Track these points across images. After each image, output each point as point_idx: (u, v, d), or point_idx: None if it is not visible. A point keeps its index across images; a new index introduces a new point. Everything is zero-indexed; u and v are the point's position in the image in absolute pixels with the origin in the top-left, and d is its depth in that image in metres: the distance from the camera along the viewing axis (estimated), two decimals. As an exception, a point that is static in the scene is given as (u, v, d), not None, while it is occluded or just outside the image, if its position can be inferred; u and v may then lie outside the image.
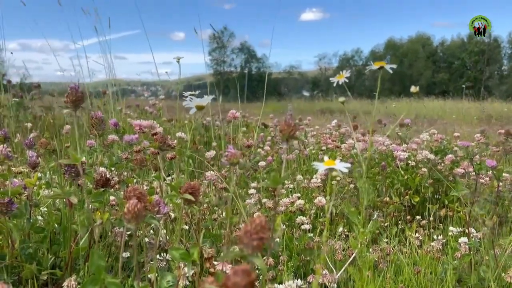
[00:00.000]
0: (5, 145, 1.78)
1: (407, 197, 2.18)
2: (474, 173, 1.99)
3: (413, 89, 1.09)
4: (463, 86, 20.68)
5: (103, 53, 4.63)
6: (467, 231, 1.52)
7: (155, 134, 1.46)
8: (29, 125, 3.57)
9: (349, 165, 0.78)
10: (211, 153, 1.98)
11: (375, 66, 1.03)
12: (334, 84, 1.12)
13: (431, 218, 1.97)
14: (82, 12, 4.35)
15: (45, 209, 1.44)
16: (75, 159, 1.00)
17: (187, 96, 1.36)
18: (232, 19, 62.43)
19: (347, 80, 1.11)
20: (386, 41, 38.94)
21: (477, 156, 2.60)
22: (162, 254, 1.23)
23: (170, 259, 1.19)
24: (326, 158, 0.84)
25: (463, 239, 1.45)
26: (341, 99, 1.24)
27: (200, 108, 1.29)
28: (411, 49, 36.02)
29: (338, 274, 1.11)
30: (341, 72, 1.14)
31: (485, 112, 9.97)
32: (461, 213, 1.94)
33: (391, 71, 1.00)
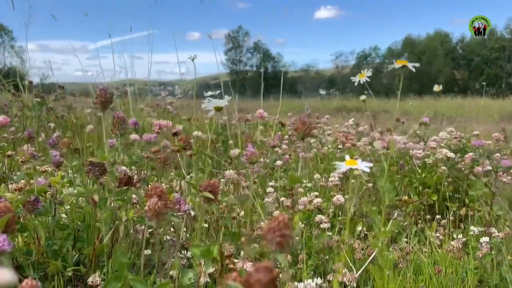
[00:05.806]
0: (29, 145, 1.83)
1: (426, 196, 2.16)
2: (493, 171, 1.96)
3: (436, 87, 1.08)
4: (483, 83, 20.28)
5: (121, 53, 4.70)
6: (487, 230, 1.50)
7: (175, 134, 1.48)
8: (52, 125, 3.64)
9: (370, 164, 0.77)
10: (235, 151, 2.00)
11: (397, 64, 1.01)
12: (355, 84, 1.10)
13: (451, 218, 1.95)
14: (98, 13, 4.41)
15: (69, 207, 1.47)
16: (103, 157, 1.02)
17: (208, 96, 1.37)
18: (247, 18, 62.46)
19: (368, 80, 1.09)
20: (404, 38, 38.45)
21: (498, 154, 2.55)
22: (183, 252, 1.25)
23: (191, 256, 1.21)
24: (347, 157, 0.84)
25: (485, 239, 1.43)
26: (363, 97, 1.24)
27: (218, 109, 1.29)
28: (429, 46, 35.44)
29: (358, 273, 1.11)
30: (362, 71, 1.12)
31: (506, 109, 9.77)
32: (481, 212, 1.91)
33: (413, 70, 0.98)
